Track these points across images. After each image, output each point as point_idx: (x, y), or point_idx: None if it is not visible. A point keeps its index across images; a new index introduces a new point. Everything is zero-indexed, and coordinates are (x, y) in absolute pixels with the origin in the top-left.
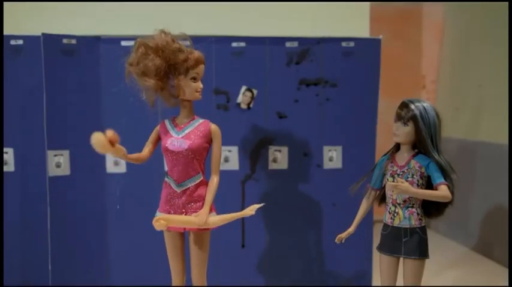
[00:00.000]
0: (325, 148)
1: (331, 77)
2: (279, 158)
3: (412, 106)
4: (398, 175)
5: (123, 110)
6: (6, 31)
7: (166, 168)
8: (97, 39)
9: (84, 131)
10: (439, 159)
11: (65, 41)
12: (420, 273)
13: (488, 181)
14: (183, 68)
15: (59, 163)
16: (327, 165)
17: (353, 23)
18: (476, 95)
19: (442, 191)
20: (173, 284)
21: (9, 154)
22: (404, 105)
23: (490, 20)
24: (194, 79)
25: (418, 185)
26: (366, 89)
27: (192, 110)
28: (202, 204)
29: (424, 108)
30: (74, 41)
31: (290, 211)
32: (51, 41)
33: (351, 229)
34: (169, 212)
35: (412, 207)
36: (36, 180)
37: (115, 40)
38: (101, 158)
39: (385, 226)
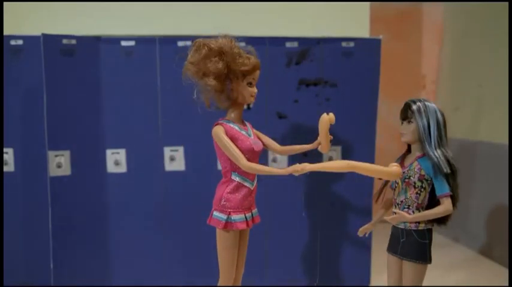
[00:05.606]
0: None
1: (331, 77)
2: (278, 158)
3: (413, 104)
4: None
5: (124, 110)
6: (6, 31)
7: (221, 169)
8: (97, 39)
9: (84, 132)
10: (433, 154)
11: (65, 41)
12: (418, 277)
13: (488, 181)
14: (241, 72)
15: (59, 163)
16: None
17: (353, 23)
18: (476, 95)
19: (441, 207)
20: (229, 284)
21: (9, 154)
22: (407, 105)
23: (489, 20)
24: (250, 84)
25: (415, 187)
26: (366, 89)
27: None
28: None
29: (425, 105)
30: (74, 41)
31: (289, 210)
32: (51, 41)
33: (369, 226)
34: (244, 213)
35: (408, 208)
36: (37, 180)
37: (115, 40)
38: (102, 158)
39: (392, 225)
